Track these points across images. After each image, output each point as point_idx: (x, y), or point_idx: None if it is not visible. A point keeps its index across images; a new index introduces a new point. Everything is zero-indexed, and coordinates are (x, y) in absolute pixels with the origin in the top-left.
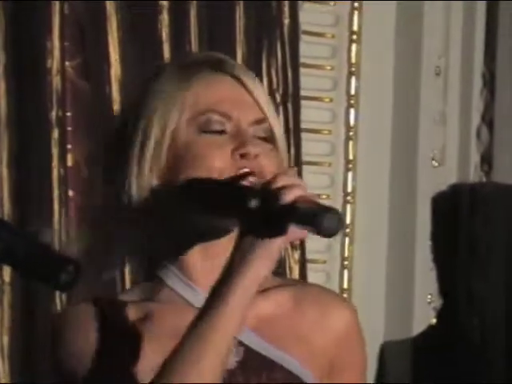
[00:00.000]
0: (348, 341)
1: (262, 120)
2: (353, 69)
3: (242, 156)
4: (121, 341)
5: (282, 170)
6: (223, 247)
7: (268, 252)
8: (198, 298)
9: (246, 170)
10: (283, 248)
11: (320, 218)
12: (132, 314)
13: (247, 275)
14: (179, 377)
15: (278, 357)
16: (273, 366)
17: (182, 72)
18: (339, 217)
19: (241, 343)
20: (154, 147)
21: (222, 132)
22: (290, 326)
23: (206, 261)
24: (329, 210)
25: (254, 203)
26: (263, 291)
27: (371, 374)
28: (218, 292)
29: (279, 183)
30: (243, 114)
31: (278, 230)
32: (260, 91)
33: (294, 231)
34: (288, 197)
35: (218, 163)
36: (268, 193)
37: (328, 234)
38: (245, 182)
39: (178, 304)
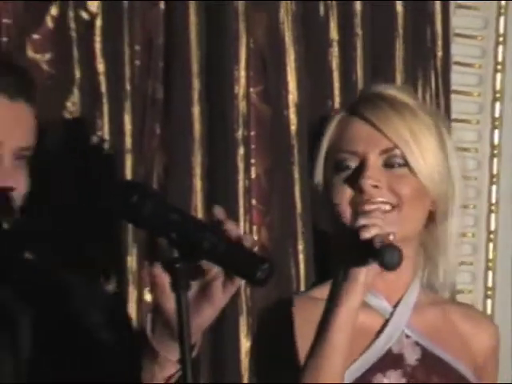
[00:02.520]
0: (493, 354)
1: (388, 149)
2: (497, 95)
3: (361, 192)
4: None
5: (419, 194)
6: None
7: (355, 285)
8: (382, 305)
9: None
10: (369, 280)
11: (383, 253)
12: (321, 309)
13: (343, 310)
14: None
15: (449, 359)
16: (448, 367)
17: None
18: (399, 252)
19: (417, 343)
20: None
21: (347, 167)
22: (453, 333)
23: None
24: (392, 246)
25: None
26: (420, 305)
27: None
28: (323, 326)
29: (362, 221)
30: (371, 149)
31: (360, 263)
32: (391, 122)
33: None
34: (366, 235)
35: (342, 208)
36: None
37: (388, 266)
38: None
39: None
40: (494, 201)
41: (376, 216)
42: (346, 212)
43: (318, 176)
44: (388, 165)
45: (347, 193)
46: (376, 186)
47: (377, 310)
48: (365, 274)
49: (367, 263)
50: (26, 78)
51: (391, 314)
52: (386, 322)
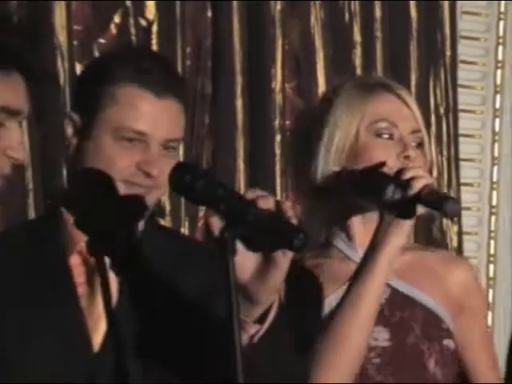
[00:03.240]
0: (471, 291)
1: (417, 131)
2: (498, 89)
3: (405, 158)
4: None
5: (427, 169)
6: (375, 216)
7: (401, 230)
8: (355, 254)
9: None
10: (411, 226)
11: (445, 204)
12: (309, 263)
13: (387, 249)
14: (349, 314)
15: (420, 296)
16: (414, 303)
17: (360, 90)
18: (458, 202)
19: (388, 285)
20: (338, 144)
21: (390, 137)
22: (427, 272)
23: (363, 226)
24: (450, 197)
25: (389, 191)
26: (405, 249)
27: None
28: (368, 261)
29: (409, 174)
30: (405, 125)
31: (409, 213)
32: (416, 108)
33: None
34: (417, 185)
35: (389, 163)
36: (401, 182)
37: (450, 215)
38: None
39: (340, 258)
40: (495, 180)
41: (421, 170)
42: (393, 167)
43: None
44: (416, 144)
45: (392, 154)
46: (414, 159)
47: (351, 258)
48: (409, 223)
49: (413, 213)
50: (174, 75)
51: None
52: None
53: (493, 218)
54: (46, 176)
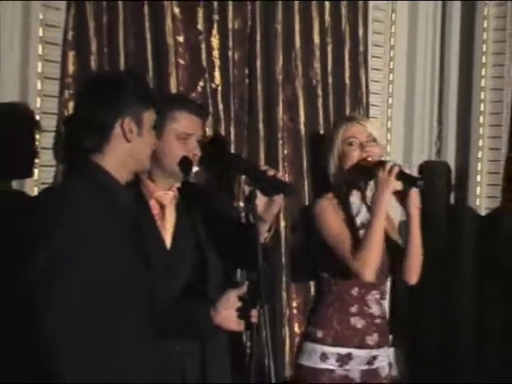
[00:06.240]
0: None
1: (369, 135)
2: None
3: (366, 152)
4: None
5: (382, 157)
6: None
7: (387, 196)
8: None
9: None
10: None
11: (418, 181)
12: (334, 203)
13: (382, 207)
14: (372, 240)
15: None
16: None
17: (342, 122)
18: (423, 180)
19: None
20: (334, 154)
21: (356, 145)
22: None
23: (357, 192)
24: (419, 177)
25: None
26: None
27: None
28: (374, 212)
29: (388, 165)
30: (362, 136)
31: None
32: (369, 126)
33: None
34: (394, 171)
35: (354, 158)
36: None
37: (419, 189)
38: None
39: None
40: None
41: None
42: (359, 157)
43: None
44: (371, 141)
45: (359, 154)
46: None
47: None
48: (390, 192)
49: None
50: (200, 106)
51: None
52: (358, 212)
53: None
54: None
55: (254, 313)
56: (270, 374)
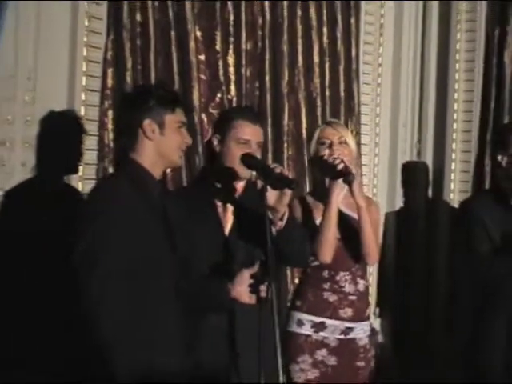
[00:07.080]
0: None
1: (341, 137)
2: None
3: (335, 151)
4: None
5: (351, 157)
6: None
7: (338, 186)
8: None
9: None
10: (340, 189)
11: (351, 178)
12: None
13: (333, 200)
14: (324, 227)
15: (351, 214)
16: (349, 218)
17: (320, 126)
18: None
19: (341, 211)
20: (312, 151)
21: (328, 145)
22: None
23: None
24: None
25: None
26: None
27: None
28: (326, 207)
29: (337, 161)
30: (333, 137)
31: (339, 178)
32: (340, 129)
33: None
34: (339, 166)
35: (327, 155)
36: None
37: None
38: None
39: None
40: None
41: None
42: (330, 157)
43: (313, 151)
44: (342, 143)
45: (328, 152)
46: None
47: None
48: (341, 183)
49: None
50: (257, 114)
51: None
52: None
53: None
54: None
55: (263, 288)
56: (276, 338)
